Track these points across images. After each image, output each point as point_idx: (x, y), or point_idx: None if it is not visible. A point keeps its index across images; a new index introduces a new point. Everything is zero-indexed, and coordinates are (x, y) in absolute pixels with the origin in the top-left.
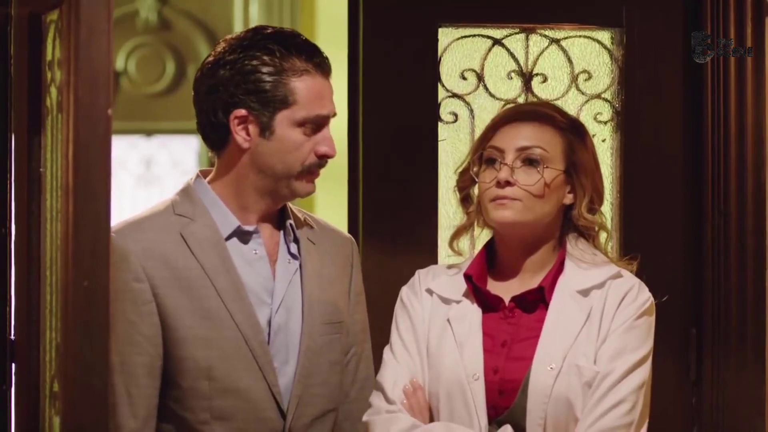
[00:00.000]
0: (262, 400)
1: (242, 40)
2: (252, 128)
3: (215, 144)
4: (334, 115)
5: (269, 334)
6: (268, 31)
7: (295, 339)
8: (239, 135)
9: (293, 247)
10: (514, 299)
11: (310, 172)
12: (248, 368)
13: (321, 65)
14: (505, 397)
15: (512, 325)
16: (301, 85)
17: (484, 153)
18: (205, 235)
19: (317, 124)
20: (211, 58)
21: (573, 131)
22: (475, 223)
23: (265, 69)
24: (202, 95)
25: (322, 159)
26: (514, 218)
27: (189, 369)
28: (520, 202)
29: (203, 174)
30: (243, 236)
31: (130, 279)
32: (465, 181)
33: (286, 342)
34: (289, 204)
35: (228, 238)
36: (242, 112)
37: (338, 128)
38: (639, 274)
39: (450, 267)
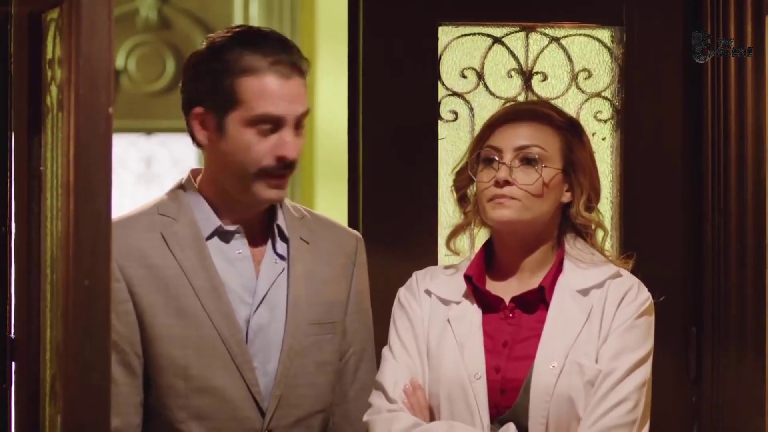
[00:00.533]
0: (239, 399)
1: (212, 39)
2: (210, 126)
3: (192, 140)
4: (302, 114)
5: (248, 333)
6: (237, 29)
7: (278, 339)
8: (199, 133)
9: (281, 247)
10: (514, 299)
11: (269, 176)
12: (225, 367)
13: (279, 63)
14: (507, 396)
15: (513, 325)
16: (250, 84)
17: (481, 153)
18: (185, 234)
19: (272, 124)
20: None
21: (570, 130)
22: (473, 223)
23: (219, 68)
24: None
25: (280, 162)
26: (513, 217)
27: (165, 367)
28: (518, 201)
29: (194, 173)
30: (224, 236)
31: None
32: (462, 181)
33: (268, 342)
34: (287, 202)
35: (209, 237)
36: (200, 109)
37: (338, 127)
38: (638, 273)
39: (447, 268)
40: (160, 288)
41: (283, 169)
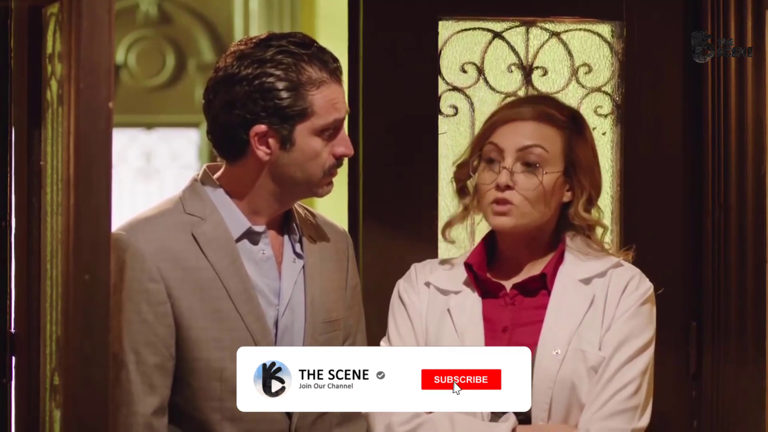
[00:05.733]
0: None
1: (255, 51)
2: (272, 142)
3: (230, 155)
4: (348, 112)
5: (276, 335)
6: (282, 41)
7: (299, 339)
8: (260, 150)
9: (298, 247)
10: (515, 286)
11: (330, 174)
12: None
13: (335, 72)
14: None
15: (513, 311)
16: (318, 96)
17: (483, 151)
18: (215, 235)
19: (335, 128)
20: (221, 72)
21: (572, 127)
22: (473, 213)
23: (281, 85)
24: (217, 108)
25: (340, 159)
26: (514, 224)
27: (201, 369)
28: (518, 207)
29: (211, 170)
30: (252, 237)
31: (146, 279)
32: (462, 175)
33: (291, 342)
34: None
35: (239, 239)
36: (262, 128)
37: None
38: (639, 267)
39: (444, 263)
40: (195, 290)
41: (339, 165)
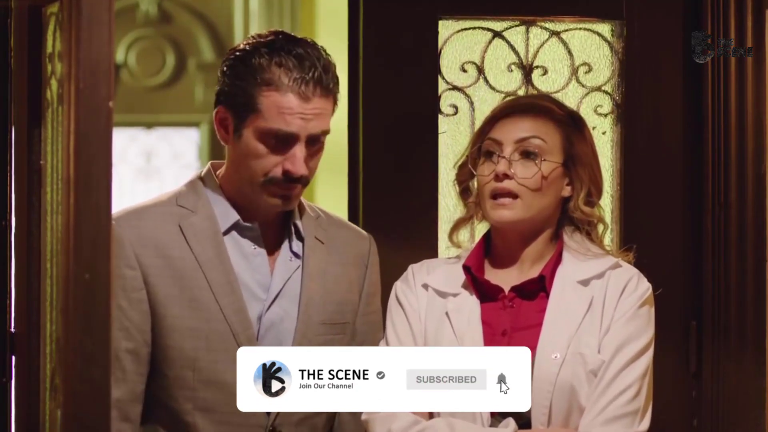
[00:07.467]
0: None
1: (249, 41)
2: (228, 128)
3: (219, 137)
4: (317, 134)
5: (259, 329)
6: (272, 38)
7: (289, 337)
8: (219, 131)
9: (296, 246)
10: (514, 289)
11: (276, 186)
12: (234, 361)
13: (302, 81)
14: None
15: (512, 314)
16: (269, 97)
17: (482, 146)
18: (202, 227)
19: (282, 139)
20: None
21: (571, 123)
22: (475, 216)
23: (244, 74)
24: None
25: (286, 176)
26: (513, 218)
27: (174, 358)
28: (518, 200)
29: (214, 167)
30: (242, 231)
31: (122, 265)
32: (463, 175)
33: (279, 339)
34: (304, 201)
35: (226, 231)
36: (221, 109)
37: (338, 120)
38: (638, 267)
39: (444, 260)
40: (174, 279)
41: (288, 182)
